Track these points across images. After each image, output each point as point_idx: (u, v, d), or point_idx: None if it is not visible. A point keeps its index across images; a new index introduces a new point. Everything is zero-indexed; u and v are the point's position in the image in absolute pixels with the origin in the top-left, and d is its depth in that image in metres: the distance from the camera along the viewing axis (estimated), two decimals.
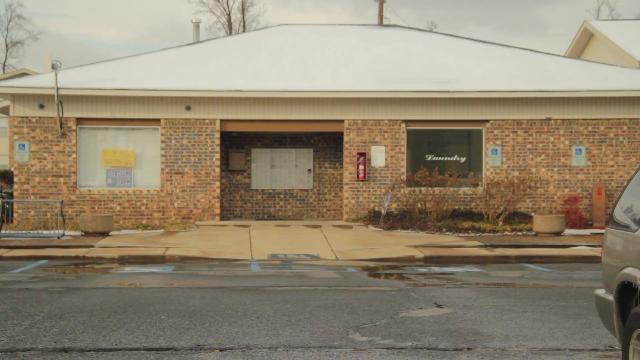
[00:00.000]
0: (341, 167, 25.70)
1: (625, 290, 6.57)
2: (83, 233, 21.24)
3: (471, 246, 19.31)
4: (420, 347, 8.42)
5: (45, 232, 20.99)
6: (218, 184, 24.01)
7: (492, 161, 24.28)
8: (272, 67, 25.46)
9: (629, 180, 7.22)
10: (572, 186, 24.35)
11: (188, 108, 23.83)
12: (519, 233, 21.94)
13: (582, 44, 36.89)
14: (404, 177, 23.93)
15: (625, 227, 6.80)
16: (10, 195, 24.66)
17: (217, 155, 23.96)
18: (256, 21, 63.75)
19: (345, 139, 24.18)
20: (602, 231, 15.35)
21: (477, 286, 13.29)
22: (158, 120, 23.86)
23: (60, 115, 23.33)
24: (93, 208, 23.50)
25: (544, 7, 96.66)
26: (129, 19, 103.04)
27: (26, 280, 13.80)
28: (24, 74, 37.05)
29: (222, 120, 24.02)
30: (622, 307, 6.66)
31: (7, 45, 65.10)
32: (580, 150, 24.30)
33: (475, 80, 24.71)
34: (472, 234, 21.56)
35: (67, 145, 23.56)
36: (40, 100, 23.45)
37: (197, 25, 29.82)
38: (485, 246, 19.31)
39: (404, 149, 24.27)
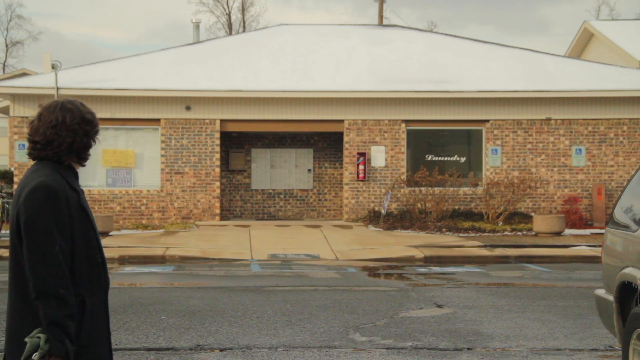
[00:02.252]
0: (341, 167, 25.70)
1: (625, 290, 6.57)
2: None
3: (471, 246, 19.31)
4: (420, 347, 8.42)
5: None
6: (218, 184, 24.00)
7: (492, 161, 24.28)
8: (272, 67, 25.46)
9: (629, 180, 7.22)
10: (572, 186, 24.34)
11: (188, 108, 23.83)
12: (519, 233, 21.94)
13: (582, 44, 36.90)
14: (404, 177, 23.93)
15: (625, 227, 6.80)
16: (11, 195, 24.65)
17: (217, 155, 23.96)
18: (256, 21, 63.72)
19: (345, 139, 24.18)
20: (602, 231, 15.34)
21: (477, 286, 13.29)
22: (158, 120, 23.86)
23: None
24: (93, 208, 23.48)
25: (547, 6, 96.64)
26: (130, 19, 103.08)
27: None
28: (24, 74, 37.04)
29: (222, 120, 24.02)
30: (622, 307, 6.66)
31: (7, 45, 65.08)
32: (580, 150, 24.29)
33: (475, 80, 24.71)
34: (472, 234, 21.56)
35: None
36: (40, 100, 23.42)
37: (197, 25, 29.82)
38: (485, 246, 19.31)
39: (404, 149, 24.27)
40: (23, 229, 3.46)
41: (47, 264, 3.42)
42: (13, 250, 3.54)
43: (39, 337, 3.38)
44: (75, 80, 23.66)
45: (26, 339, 3.39)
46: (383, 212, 23.19)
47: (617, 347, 8.29)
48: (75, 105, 3.69)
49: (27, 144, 3.70)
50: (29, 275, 3.42)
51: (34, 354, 3.35)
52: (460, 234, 21.53)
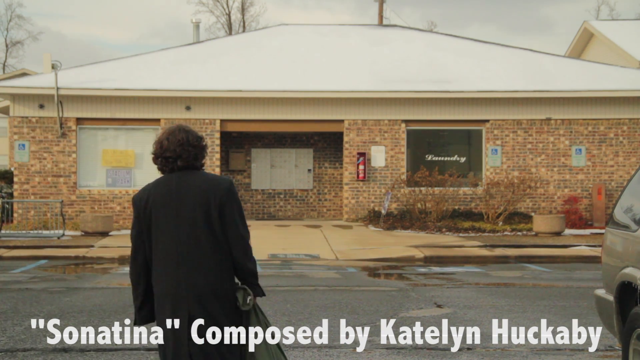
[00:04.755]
0: (341, 167, 25.70)
1: (625, 290, 6.57)
2: (83, 233, 21.24)
3: (471, 246, 19.31)
4: (420, 347, 8.42)
5: (45, 232, 20.99)
6: None
7: (492, 161, 24.28)
8: (272, 67, 25.46)
9: (629, 180, 7.22)
10: (572, 186, 24.34)
11: (188, 108, 23.83)
12: (519, 233, 21.94)
13: (582, 44, 36.90)
14: (404, 177, 23.93)
15: (625, 227, 6.80)
16: (10, 195, 24.65)
17: (217, 155, 23.97)
18: (256, 21, 63.71)
19: (345, 139, 24.18)
20: (602, 231, 15.34)
21: (477, 286, 13.29)
22: (158, 120, 23.85)
23: (60, 115, 23.33)
24: (93, 208, 23.50)
25: (550, 5, 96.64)
26: (130, 19, 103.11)
27: (26, 280, 13.80)
28: (24, 74, 37.03)
29: (222, 120, 24.02)
30: (622, 307, 6.66)
31: (7, 45, 65.05)
32: (580, 150, 24.30)
33: (475, 80, 24.71)
34: (472, 234, 21.56)
35: (67, 145, 23.56)
36: (40, 100, 23.45)
37: (197, 25, 29.82)
38: (485, 246, 19.31)
39: (404, 149, 24.27)
40: (237, 213, 4.77)
41: (248, 238, 4.82)
42: (211, 229, 4.72)
43: (244, 288, 4.80)
44: (76, 80, 23.67)
45: (237, 293, 4.78)
46: (383, 212, 23.19)
47: (617, 347, 8.29)
48: (189, 127, 4.95)
49: (156, 162, 4.86)
50: (243, 244, 4.75)
51: (248, 298, 4.77)
52: (460, 234, 21.54)
